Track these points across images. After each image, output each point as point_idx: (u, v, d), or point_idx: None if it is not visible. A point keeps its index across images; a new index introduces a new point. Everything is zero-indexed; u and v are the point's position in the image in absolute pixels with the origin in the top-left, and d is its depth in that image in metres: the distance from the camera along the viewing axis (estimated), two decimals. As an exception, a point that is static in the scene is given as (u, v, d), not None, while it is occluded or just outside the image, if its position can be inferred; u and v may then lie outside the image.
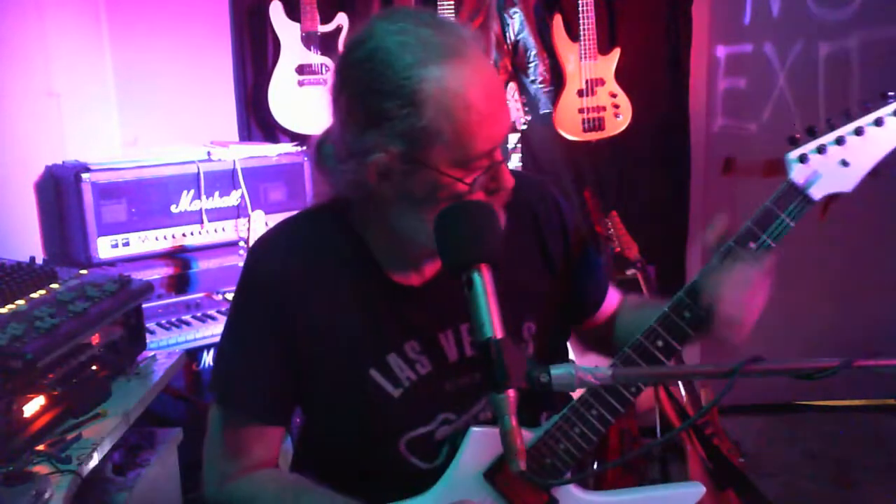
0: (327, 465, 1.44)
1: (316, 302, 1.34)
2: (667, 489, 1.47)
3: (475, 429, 1.35)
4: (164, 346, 2.76)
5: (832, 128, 1.32)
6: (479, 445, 1.33)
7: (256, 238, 1.46)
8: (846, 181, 1.31)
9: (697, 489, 1.40)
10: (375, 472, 1.40)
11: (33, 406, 1.90)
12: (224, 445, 1.41)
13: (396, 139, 1.20)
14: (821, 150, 1.31)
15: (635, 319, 1.49)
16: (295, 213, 1.47)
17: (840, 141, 1.30)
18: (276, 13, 3.53)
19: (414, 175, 1.22)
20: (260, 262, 1.39)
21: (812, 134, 1.32)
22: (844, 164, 1.31)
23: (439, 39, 1.19)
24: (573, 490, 1.35)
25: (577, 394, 1.27)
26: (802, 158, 1.31)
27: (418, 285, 1.38)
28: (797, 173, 1.31)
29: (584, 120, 3.72)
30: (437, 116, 1.17)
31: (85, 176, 2.81)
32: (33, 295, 2.11)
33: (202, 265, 3.04)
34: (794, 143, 1.32)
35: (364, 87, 1.22)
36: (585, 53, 3.68)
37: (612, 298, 1.60)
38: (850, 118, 1.32)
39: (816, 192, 1.31)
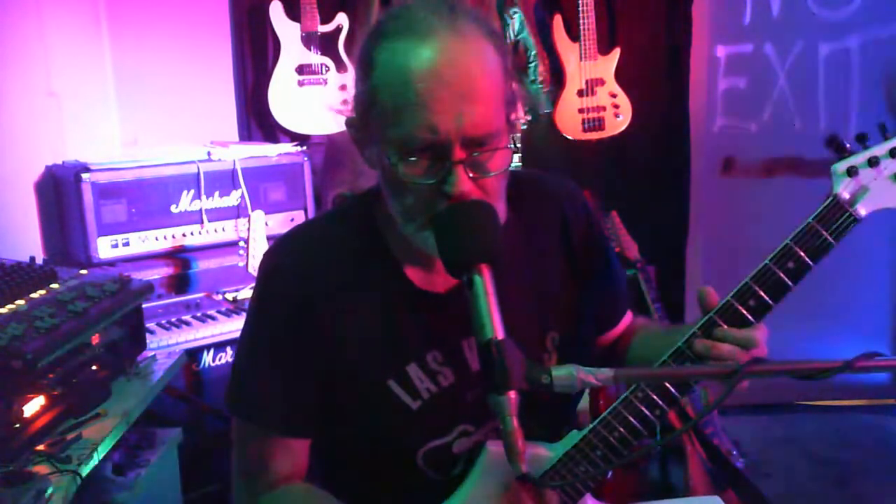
0: (339, 476, 1.39)
1: (335, 309, 1.28)
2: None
3: (491, 445, 1.30)
4: (164, 346, 2.75)
5: (885, 136, 1.19)
6: (494, 462, 1.28)
7: (274, 242, 1.39)
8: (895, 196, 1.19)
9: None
10: (390, 485, 1.35)
11: (33, 406, 1.90)
12: (249, 461, 1.36)
13: (356, 102, 1.22)
14: (873, 162, 1.18)
15: (645, 345, 1.46)
16: (317, 215, 1.43)
17: (895, 153, 1.18)
18: (276, 13, 3.53)
19: (369, 145, 1.23)
20: (277, 268, 1.33)
21: (862, 142, 1.19)
22: None
23: (421, 16, 1.16)
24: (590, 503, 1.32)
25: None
26: (851, 171, 1.18)
27: (443, 292, 1.31)
28: (843, 188, 1.18)
29: (584, 120, 3.72)
30: (380, 83, 1.16)
31: (85, 176, 2.82)
32: (33, 295, 2.11)
33: (202, 265, 3.04)
34: (840, 151, 1.20)
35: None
36: (585, 53, 3.69)
37: (628, 318, 1.55)
38: None
39: (863, 209, 1.19)
